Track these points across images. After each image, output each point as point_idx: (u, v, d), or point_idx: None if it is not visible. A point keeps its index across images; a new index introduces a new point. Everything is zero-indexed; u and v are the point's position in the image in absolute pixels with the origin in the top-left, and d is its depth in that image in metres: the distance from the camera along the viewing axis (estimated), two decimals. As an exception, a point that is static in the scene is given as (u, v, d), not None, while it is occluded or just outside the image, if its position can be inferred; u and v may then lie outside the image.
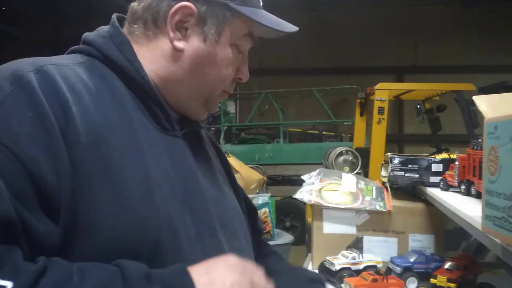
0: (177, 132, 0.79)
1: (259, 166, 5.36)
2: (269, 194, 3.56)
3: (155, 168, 0.71)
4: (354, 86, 6.79)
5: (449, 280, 1.49)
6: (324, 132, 7.19)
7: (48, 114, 0.62)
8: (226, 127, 7.08)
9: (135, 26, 0.79)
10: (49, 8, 9.36)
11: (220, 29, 0.78)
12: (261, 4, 0.84)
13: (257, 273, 0.69)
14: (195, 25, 0.77)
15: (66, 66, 0.71)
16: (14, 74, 0.66)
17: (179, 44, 0.77)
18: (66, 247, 0.62)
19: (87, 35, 0.78)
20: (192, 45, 0.78)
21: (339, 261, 1.66)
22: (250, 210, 1.04)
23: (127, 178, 0.67)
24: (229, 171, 1.00)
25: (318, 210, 1.80)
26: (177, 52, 0.78)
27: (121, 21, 0.83)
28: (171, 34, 0.77)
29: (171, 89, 0.79)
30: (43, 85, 0.65)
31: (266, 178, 3.99)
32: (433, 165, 1.68)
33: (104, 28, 0.80)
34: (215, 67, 0.80)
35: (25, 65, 0.68)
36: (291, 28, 0.85)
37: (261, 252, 1.03)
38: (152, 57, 0.78)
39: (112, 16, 0.82)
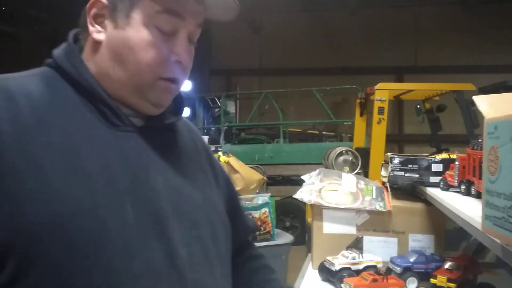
0: (130, 128, 0.81)
1: (259, 166, 5.35)
2: (269, 194, 3.55)
3: (92, 161, 0.74)
4: (354, 86, 6.79)
5: (449, 280, 1.49)
6: (324, 132, 7.19)
7: None
8: (226, 127, 7.08)
9: (82, 35, 0.85)
10: (49, 8, 9.36)
11: (128, 12, 0.78)
12: None
13: None
14: (109, 15, 0.80)
15: (11, 78, 0.78)
16: None
17: (98, 36, 0.80)
18: None
19: (54, 50, 0.85)
20: (108, 34, 0.80)
21: (339, 261, 1.66)
22: (234, 208, 1.04)
23: (55, 172, 0.70)
24: (214, 165, 1.01)
25: (318, 210, 1.80)
26: (97, 45, 0.81)
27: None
28: (91, 28, 0.80)
29: (109, 85, 0.81)
30: None
31: (266, 178, 3.99)
32: (433, 165, 1.68)
33: (64, 43, 0.86)
34: (131, 52, 0.78)
35: None
36: (214, 2, 0.82)
37: (249, 266, 1.05)
38: (88, 55, 0.82)
39: (71, 33, 0.86)
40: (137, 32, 0.78)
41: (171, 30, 0.80)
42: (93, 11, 0.80)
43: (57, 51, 0.83)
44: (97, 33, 0.80)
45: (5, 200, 0.67)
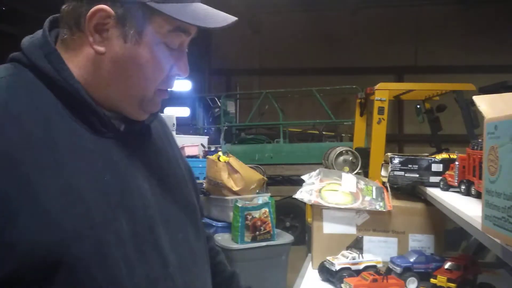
0: (115, 133, 0.79)
1: (259, 166, 5.36)
2: (269, 194, 3.56)
3: (82, 177, 0.72)
4: (354, 86, 6.79)
5: (449, 280, 1.49)
6: (324, 132, 7.19)
7: None
8: (226, 127, 7.09)
9: (64, 30, 0.78)
10: (49, 8, 9.36)
11: (141, 29, 0.76)
12: None
13: None
14: (114, 27, 0.75)
15: None
16: None
17: (100, 48, 0.76)
18: None
19: (24, 40, 0.78)
20: (112, 47, 0.76)
21: (339, 261, 1.66)
22: (197, 197, 1.03)
23: (47, 193, 0.67)
24: (180, 153, 1.01)
25: (318, 210, 1.80)
26: (99, 56, 0.76)
27: (57, 21, 0.81)
28: (90, 38, 0.75)
29: (101, 93, 0.78)
30: None
31: (266, 178, 3.99)
32: (433, 165, 1.68)
33: (38, 33, 0.79)
34: (140, 69, 0.77)
35: None
36: (223, 21, 0.79)
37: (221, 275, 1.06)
38: (79, 61, 0.77)
39: (46, 20, 0.80)
40: (147, 50, 0.77)
41: (177, 46, 0.80)
42: (95, 20, 0.75)
43: (31, 47, 0.76)
44: (98, 44, 0.76)
45: (5, 234, 0.64)
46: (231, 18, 0.80)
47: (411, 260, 1.64)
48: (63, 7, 0.78)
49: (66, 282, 0.67)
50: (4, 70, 0.75)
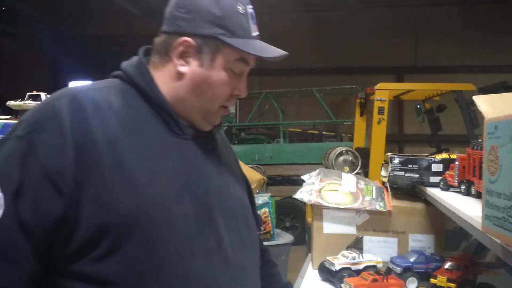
0: (187, 136, 1.00)
1: (259, 166, 5.36)
2: (269, 194, 3.55)
3: (162, 163, 0.93)
4: (354, 86, 6.79)
5: (449, 280, 1.49)
6: (324, 132, 7.18)
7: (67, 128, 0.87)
8: (226, 127, 7.08)
9: (155, 55, 1.02)
10: (49, 8, 9.37)
11: (214, 56, 0.98)
12: (254, 34, 1.02)
13: None
14: (194, 54, 0.98)
15: (94, 90, 0.96)
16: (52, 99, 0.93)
17: (182, 69, 0.99)
18: (75, 222, 0.84)
19: (123, 63, 1.03)
20: (192, 69, 0.98)
21: (339, 261, 1.66)
22: (252, 205, 1.20)
23: (135, 169, 0.89)
24: (240, 169, 1.23)
25: (318, 210, 1.80)
26: (180, 75, 0.99)
27: (149, 50, 1.06)
28: (176, 61, 0.98)
29: (179, 104, 1.00)
30: (71, 107, 0.89)
31: (266, 178, 3.98)
32: (433, 165, 1.68)
33: (135, 58, 1.04)
34: (210, 87, 0.99)
35: (62, 92, 0.94)
36: (278, 53, 1.02)
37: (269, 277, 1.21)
38: (165, 79, 1.00)
39: (140, 49, 1.06)
40: (217, 73, 0.98)
41: (239, 72, 1.02)
42: (180, 48, 0.97)
43: (129, 67, 1.01)
44: (181, 66, 0.98)
45: (102, 192, 0.85)
46: (283, 52, 1.03)
47: (411, 260, 1.64)
48: (156, 39, 1.02)
49: (141, 241, 0.86)
50: (109, 82, 1.01)
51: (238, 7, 0.99)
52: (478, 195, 1.24)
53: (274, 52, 1.02)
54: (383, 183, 1.87)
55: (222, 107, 1.03)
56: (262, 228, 3.14)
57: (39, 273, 0.84)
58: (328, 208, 1.78)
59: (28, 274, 0.83)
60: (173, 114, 0.98)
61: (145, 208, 0.87)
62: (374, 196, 1.81)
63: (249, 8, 1.02)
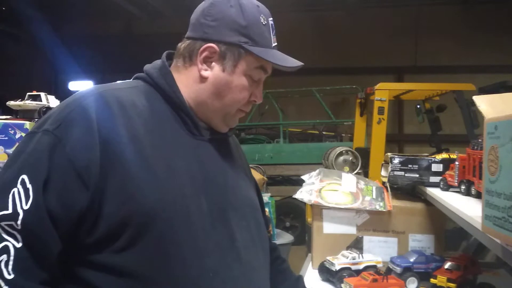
0: (204, 137, 1.06)
1: (259, 166, 5.35)
2: (269, 194, 3.55)
3: (179, 161, 0.98)
4: (354, 86, 6.78)
5: (449, 280, 1.49)
6: (324, 132, 7.18)
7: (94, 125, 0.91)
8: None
9: (179, 59, 1.08)
10: (49, 8, 9.36)
11: (236, 63, 1.04)
12: (273, 44, 1.08)
13: None
14: (218, 59, 1.04)
15: (119, 90, 1.01)
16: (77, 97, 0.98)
17: (205, 73, 1.04)
18: (98, 215, 0.87)
19: (146, 66, 1.09)
20: (214, 74, 1.04)
21: (339, 261, 1.66)
22: (261, 205, 1.24)
23: (156, 166, 0.93)
24: (250, 172, 1.27)
25: (318, 210, 1.80)
26: (203, 79, 1.05)
27: (171, 54, 1.12)
28: (200, 66, 1.04)
29: (199, 106, 1.06)
30: (97, 105, 0.94)
31: (266, 178, 3.98)
32: (433, 165, 1.68)
33: (158, 62, 1.09)
34: (230, 91, 1.05)
35: (89, 90, 0.99)
36: (295, 63, 1.09)
37: (279, 273, 1.25)
38: (187, 82, 1.06)
39: (163, 54, 1.11)
40: (238, 78, 1.05)
41: (257, 79, 1.08)
42: (205, 54, 1.03)
43: (152, 69, 1.07)
44: (204, 71, 1.04)
45: (126, 186, 0.89)
46: (300, 62, 1.09)
47: (411, 260, 1.64)
48: (180, 44, 1.08)
49: (159, 235, 0.90)
50: (133, 83, 1.07)
51: (261, 18, 1.06)
52: (478, 195, 1.24)
53: (292, 62, 1.09)
54: (383, 183, 1.87)
55: (239, 110, 1.09)
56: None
57: (61, 262, 0.88)
58: (328, 208, 1.79)
59: (52, 263, 0.86)
60: (192, 115, 1.04)
61: (165, 203, 0.92)
62: (374, 196, 1.81)
63: (270, 20, 1.09)
